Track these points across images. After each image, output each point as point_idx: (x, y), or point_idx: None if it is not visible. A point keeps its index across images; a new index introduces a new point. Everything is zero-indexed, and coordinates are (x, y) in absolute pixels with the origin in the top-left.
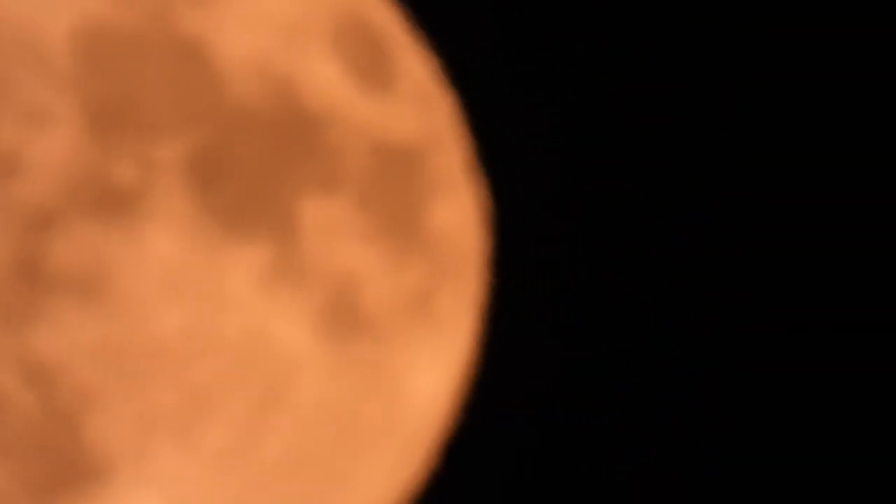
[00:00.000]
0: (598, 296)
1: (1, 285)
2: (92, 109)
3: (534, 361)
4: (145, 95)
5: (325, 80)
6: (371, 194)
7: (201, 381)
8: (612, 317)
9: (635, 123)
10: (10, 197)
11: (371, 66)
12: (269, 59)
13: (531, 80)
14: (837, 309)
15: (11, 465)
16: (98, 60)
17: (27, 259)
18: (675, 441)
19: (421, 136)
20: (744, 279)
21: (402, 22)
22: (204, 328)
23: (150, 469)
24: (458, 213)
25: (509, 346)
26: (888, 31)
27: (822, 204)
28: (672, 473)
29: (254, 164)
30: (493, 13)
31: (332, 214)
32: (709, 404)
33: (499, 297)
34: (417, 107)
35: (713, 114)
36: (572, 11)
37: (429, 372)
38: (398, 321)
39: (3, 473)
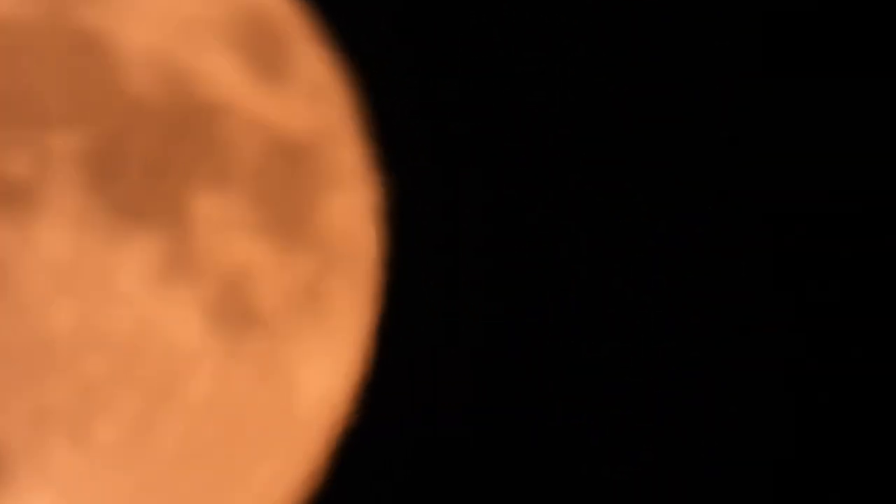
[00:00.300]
0: (492, 289)
1: None
2: None
3: (426, 356)
4: (41, 87)
5: (221, 73)
6: (264, 188)
7: (93, 377)
8: (506, 310)
9: (537, 115)
10: None
11: (268, 60)
12: (166, 52)
13: (432, 75)
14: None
15: None
16: None
17: None
18: (582, 431)
19: (316, 131)
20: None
21: (301, 15)
22: (95, 323)
23: (45, 466)
24: (352, 207)
25: (401, 341)
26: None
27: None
28: (580, 464)
29: (148, 158)
30: (394, 5)
31: (225, 208)
32: (629, 392)
33: (392, 293)
34: (314, 101)
35: (618, 103)
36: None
37: (321, 367)
38: (290, 316)
39: None
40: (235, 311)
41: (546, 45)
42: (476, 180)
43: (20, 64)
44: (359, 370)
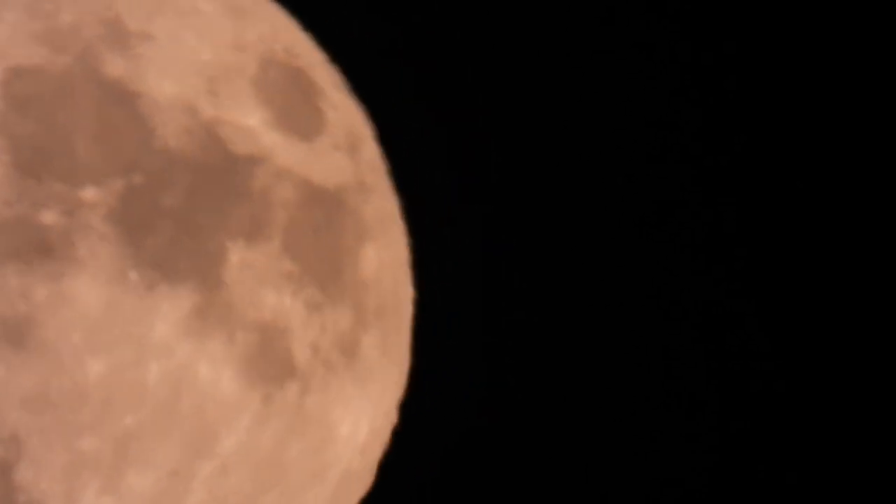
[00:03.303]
0: (526, 340)
1: None
2: (18, 153)
3: (461, 406)
4: (72, 139)
5: (251, 124)
6: (298, 240)
7: (127, 428)
8: (540, 361)
9: (558, 174)
10: None
11: (298, 112)
12: (195, 102)
13: (457, 128)
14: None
15: None
16: (25, 104)
17: None
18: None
19: (348, 182)
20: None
21: (330, 67)
22: (129, 375)
23: None
24: (386, 258)
25: (437, 391)
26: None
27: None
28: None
29: (180, 210)
30: (420, 62)
31: (259, 260)
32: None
33: (426, 342)
34: (344, 152)
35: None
36: (499, 59)
37: (357, 418)
38: (326, 367)
39: None
40: (271, 363)
41: (576, 101)
42: (504, 228)
43: (52, 115)
44: (396, 421)
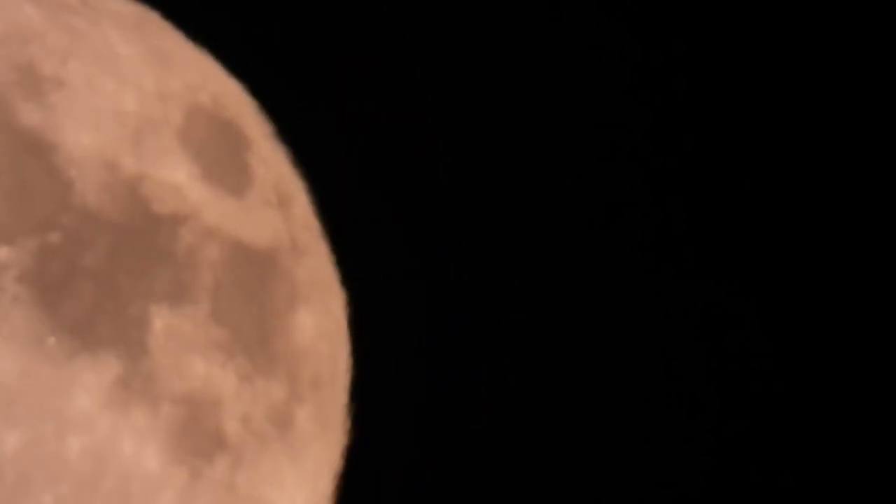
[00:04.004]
0: (462, 412)
1: None
2: None
3: (398, 478)
4: None
5: (177, 180)
6: (227, 304)
7: None
8: (476, 435)
9: (494, 245)
10: None
11: (226, 166)
12: (116, 157)
13: (392, 184)
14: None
15: None
16: None
17: None
18: None
19: (280, 241)
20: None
21: (261, 121)
22: (45, 450)
23: None
24: (321, 323)
25: (376, 463)
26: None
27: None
28: None
29: (101, 271)
30: (357, 111)
31: (186, 326)
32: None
33: (362, 411)
34: (275, 208)
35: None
36: (441, 108)
37: (291, 495)
38: (258, 441)
39: None
40: (197, 436)
41: (519, 149)
42: (441, 290)
43: None
44: (331, 495)
